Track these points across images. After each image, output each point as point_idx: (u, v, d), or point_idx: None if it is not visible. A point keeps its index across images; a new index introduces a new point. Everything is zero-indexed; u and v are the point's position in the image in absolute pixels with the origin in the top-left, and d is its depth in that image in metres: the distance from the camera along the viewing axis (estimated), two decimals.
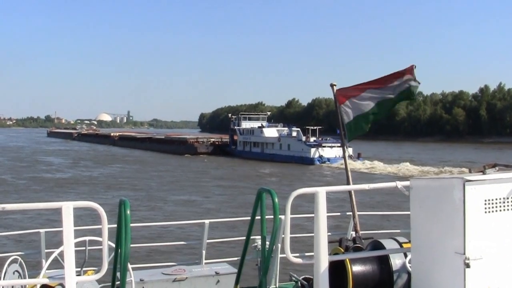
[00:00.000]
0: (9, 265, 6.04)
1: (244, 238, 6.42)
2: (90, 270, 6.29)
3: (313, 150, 69.44)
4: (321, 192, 4.49)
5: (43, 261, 7.13)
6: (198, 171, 57.01)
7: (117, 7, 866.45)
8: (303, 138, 73.07)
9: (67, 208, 3.94)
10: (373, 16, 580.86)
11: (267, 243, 5.51)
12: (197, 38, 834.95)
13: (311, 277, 5.66)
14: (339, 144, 70.20)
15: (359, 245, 5.93)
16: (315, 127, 76.58)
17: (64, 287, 4.97)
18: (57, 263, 5.46)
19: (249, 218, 6.22)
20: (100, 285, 6.27)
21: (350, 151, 67.72)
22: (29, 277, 6.38)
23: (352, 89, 7.13)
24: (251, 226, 5.99)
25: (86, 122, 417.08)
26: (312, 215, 4.59)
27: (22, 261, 6.37)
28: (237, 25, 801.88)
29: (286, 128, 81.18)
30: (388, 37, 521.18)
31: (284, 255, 5.18)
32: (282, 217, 5.55)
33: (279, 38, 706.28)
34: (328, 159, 68.26)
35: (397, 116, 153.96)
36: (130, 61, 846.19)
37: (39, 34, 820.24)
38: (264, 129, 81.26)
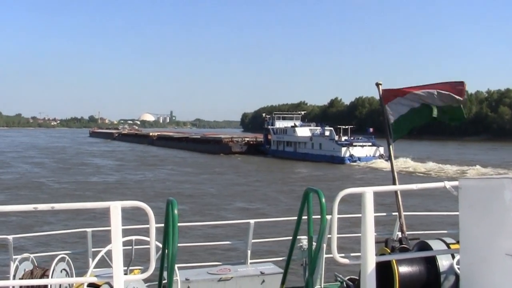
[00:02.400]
0: (57, 263, 6.18)
1: (289, 238, 6.43)
2: (136, 269, 6.49)
3: (343, 149, 69.36)
4: (369, 192, 4.36)
5: (90, 260, 7.30)
6: (233, 169, 57.73)
7: (160, 6, 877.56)
8: (336, 138, 73.16)
9: (115, 207, 3.91)
10: (422, 14, 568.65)
11: (314, 243, 5.46)
12: (241, 38, 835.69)
13: (356, 277, 5.77)
14: (370, 143, 70.25)
15: (406, 246, 5.84)
16: (346, 126, 76.40)
17: (111, 286, 5.10)
18: (103, 262, 5.55)
19: (294, 217, 6.23)
20: (146, 284, 6.24)
21: (381, 150, 67.88)
22: (76, 276, 6.58)
23: (398, 89, 7.06)
24: (297, 226, 5.90)
25: (129, 122, 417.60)
26: (359, 215, 4.52)
27: (69, 259, 6.53)
28: (280, 25, 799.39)
29: (319, 128, 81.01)
30: (435, 34, 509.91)
31: (329, 256, 5.32)
32: (329, 217, 5.30)
33: (322, 37, 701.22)
34: (359, 158, 68.04)
35: None
36: (174, 61, 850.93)
37: (83, 36, 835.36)
38: (297, 129, 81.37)
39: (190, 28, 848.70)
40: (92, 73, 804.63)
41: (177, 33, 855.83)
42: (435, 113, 6.58)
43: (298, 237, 6.32)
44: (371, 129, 73.44)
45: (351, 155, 68.67)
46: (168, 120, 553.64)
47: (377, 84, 7.13)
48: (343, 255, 4.62)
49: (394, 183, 6.79)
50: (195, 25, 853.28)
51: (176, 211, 4.61)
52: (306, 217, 5.56)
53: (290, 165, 65.92)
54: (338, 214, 4.42)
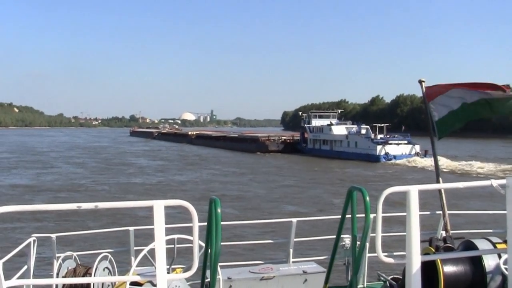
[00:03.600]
0: (99, 261, 6.23)
1: (331, 237, 6.46)
2: (178, 268, 6.45)
3: (379, 147, 68.98)
4: (413, 191, 4.33)
5: (132, 258, 7.34)
6: (274, 169, 57.66)
7: (202, 4, 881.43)
8: (372, 136, 72.84)
9: (159, 206, 3.90)
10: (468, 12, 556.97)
11: (357, 242, 5.40)
12: (281, 36, 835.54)
13: (400, 277, 5.76)
14: (405, 141, 69.61)
15: (450, 245, 5.78)
16: (382, 124, 75.82)
17: (154, 284, 5.20)
18: (144, 260, 5.67)
19: (335, 216, 6.27)
20: (188, 283, 6.24)
21: (417, 148, 67.25)
22: (118, 274, 6.65)
23: (442, 86, 6.91)
24: (341, 225, 5.83)
25: (170, 121, 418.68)
26: (403, 213, 4.52)
27: (112, 258, 6.59)
28: (323, 22, 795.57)
29: (355, 126, 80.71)
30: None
31: (371, 254, 5.57)
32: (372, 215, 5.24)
33: (365, 34, 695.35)
34: (394, 157, 67.61)
35: None
36: (214, 60, 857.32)
37: (125, 36, 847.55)
38: (333, 127, 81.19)
39: (232, 27, 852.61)
40: (134, 73, 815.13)
41: (219, 32, 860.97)
42: (486, 108, 6.35)
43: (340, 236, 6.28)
44: (403, 127, 73.10)
45: (386, 153, 68.35)
46: (208, 119, 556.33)
47: (420, 82, 7.06)
48: (386, 254, 4.57)
49: (438, 181, 6.72)
50: (237, 23, 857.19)
51: (219, 210, 4.60)
52: (349, 215, 5.52)
53: (328, 163, 65.59)
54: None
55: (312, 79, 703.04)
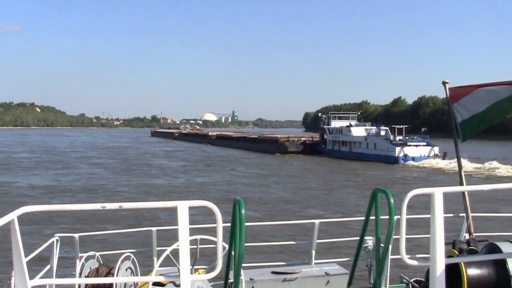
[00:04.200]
0: (122, 262, 6.30)
1: (353, 238, 6.56)
2: (201, 268, 6.54)
3: (397, 149, 68.86)
4: (438, 193, 4.30)
5: (155, 258, 7.38)
6: (295, 170, 57.55)
7: (223, 4, 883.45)
8: (391, 137, 72.67)
9: (183, 207, 3.91)
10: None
11: (381, 244, 5.38)
12: (304, 37, 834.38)
13: (422, 279, 5.85)
14: (424, 143, 69.34)
15: (473, 248, 5.75)
16: (401, 126, 75.41)
17: (176, 285, 5.33)
18: (166, 261, 5.72)
19: (357, 218, 6.50)
20: (211, 284, 6.24)
21: (436, 150, 66.95)
22: (140, 274, 6.73)
23: (466, 87, 6.87)
24: (365, 227, 5.78)
25: (191, 122, 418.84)
26: (427, 216, 4.51)
27: (134, 258, 6.66)
28: (341, 23, 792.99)
29: (374, 127, 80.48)
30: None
31: (393, 257, 5.38)
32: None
33: (386, 36, 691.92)
34: (413, 158, 67.49)
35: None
36: (235, 60, 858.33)
37: (146, 35, 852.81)
38: (352, 128, 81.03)
39: (254, 27, 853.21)
40: (156, 73, 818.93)
41: (240, 32, 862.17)
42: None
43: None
44: (423, 129, 72.94)
45: (405, 155, 68.26)
46: (230, 120, 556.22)
47: (444, 83, 7.02)
48: (410, 256, 4.53)
49: (461, 184, 6.71)
50: (259, 24, 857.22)
51: (243, 211, 4.58)
52: (373, 217, 5.50)
53: (348, 165, 65.63)
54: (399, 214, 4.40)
55: (334, 80, 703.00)
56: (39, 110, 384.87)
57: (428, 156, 68.13)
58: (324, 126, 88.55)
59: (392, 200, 4.74)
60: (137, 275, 6.61)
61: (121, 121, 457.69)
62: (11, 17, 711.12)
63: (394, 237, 4.79)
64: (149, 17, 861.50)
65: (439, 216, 4.31)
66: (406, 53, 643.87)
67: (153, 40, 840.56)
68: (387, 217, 4.83)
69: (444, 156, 66.50)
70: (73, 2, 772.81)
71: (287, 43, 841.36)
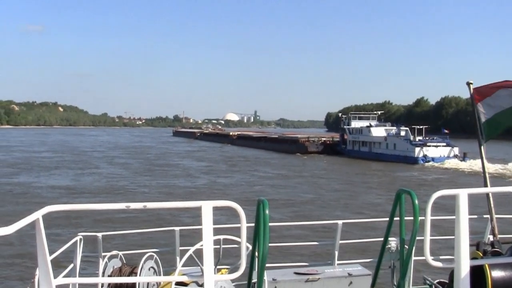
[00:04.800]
0: (145, 261, 6.28)
1: (377, 239, 6.49)
2: (224, 268, 6.45)
3: (417, 149, 68.78)
4: (463, 194, 4.31)
5: (177, 258, 7.33)
6: (318, 171, 57.28)
7: (246, 5, 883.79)
8: (411, 138, 72.37)
9: (207, 207, 3.92)
10: None
11: (405, 246, 5.37)
12: (327, 36, 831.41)
13: (446, 281, 5.81)
14: (444, 144, 68.97)
15: (498, 250, 5.70)
16: (421, 126, 75.17)
17: (199, 285, 5.32)
18: (188, 260, 5.71)
19: (381, 219, 6.38)
20: (233, 284, 6.23)
21: (456, 150, 66.54)
22: (163, 274, 6.69)
23: (490, 86, 6.79)
24: (389, 228, 5.78)
25: (213, 121, 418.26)
26: (451, 217, 4.52)
27: (157, 257, 6.66)
28: (367, 22, 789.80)
29: (394, 127, 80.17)
30: None
31: (416, 258, 5.46)
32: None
33: (408, 36, 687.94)
34: (433, 159, 67.29)
35: None
36: (257, 60, 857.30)
37: (169, 35, 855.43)
38: (372, 128, 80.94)
39: (275, 27, 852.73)
40: (178, 73, 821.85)
41: (262, 32, 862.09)
42: None
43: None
44: (445, 130, 72.68)
45: (424, 155, 68.10)
46: (252, 120, 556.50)
47: (468, 84, 6.95)
48: (434, 258, 4.52)
49: (486, 185, 6.66)
50: (281, 24, 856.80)
51: (267, 211, 4.53)
52: (397, 218, 5.49)
53: (369, 165, 65.50)
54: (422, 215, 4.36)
55: (356, 80, 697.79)
56: (61, 110, 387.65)
57: (448, 157, 67.91)
58: (344, 127, 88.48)
59: (416, 201, 4.71)
60: (160, 274, 6.60)
61: (143, 121, 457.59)
62: (34, 17, 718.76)
63: (418, 238, 4.83)
64: (173, 17, 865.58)
65: (464, 217, 4.30)
66: (429, 52, 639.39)
67: (176, 40, 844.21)
68: (411, 218, 4.79)
69: (464, 156, 66.44)
70: (96, 1, 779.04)
71: (311, 43, 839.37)
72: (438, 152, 68.46)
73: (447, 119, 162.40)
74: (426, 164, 66.17)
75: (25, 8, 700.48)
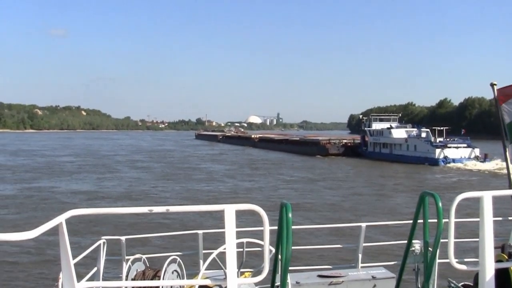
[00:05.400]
0: (168, 264, 6.27)
1: (400, 242, 6.47)
2: (247, 271, 6.42)
3: (438, 150, 68.65)
4: (487, 197, 4.27)
5: (201, 261, 7.36)
6: (342, 174, 57.19)
7: (267, 6, 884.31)
8: (432, 139, 72.04)
9: (230, 210, 3.91)
10: None
11: (429, 248, 5.36)
12: (349, 38, 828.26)
13: (470, 284, 5.81)
14: (465, 145, 68.71)
15: None
16: (441, 128, 74.75)
17: None
18: (212, 264, 5.72)
19: (404, 221, 6.46)
20: (257, 287, 6.20)
21: (476, 151, 66.32)
22: (187, 277, 6.67)
23: None
24: (413, 230, 5.73)
25: (236, 124, 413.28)
26: (476, 219, 4.49)
27: (181, 261, 6.61)
28: (390, 24, 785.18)
29: (415, 129, 79.88)
30: None
31: (440, 260, 5.42)
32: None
33: (432, 36, 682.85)
34: (453, 160, 67.14)
35: None
36: (280, 63, 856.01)
37: (191, 38, 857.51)
38: (392, 130, 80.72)
39: (298, 29, 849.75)
40: (201, 76, 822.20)
41: (285, 34, 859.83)
42: None
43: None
44: (463, 131, 72.45)
45: (445, 157, 67.97)
46: (275, 122, 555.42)
47: (492, 85, 6.93)
48: (458, 260, 4.49)
49: (510, 187, 6.63)
50: (303, 26, 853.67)
51: (290, 214, 4.51)
52: (421, 221, 5.46)
53: (390, 167, 65.33)
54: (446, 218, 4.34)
55: (379, 81, 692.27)
56: (84, 114, 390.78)
57: (469, 158, 67.72)
58: (365, 128, 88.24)
59: (440, 204, 4.69)
60: (183, 278, 6.57)
61: (166, 124, 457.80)
62: (57, 22, 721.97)
63: (442, 240, 4.81)
64: (195, 20, 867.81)
65: (488, 220, 4.26)
66: (453, 53, 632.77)
67: (199, 43, 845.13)
68: (435, 220, 4.76)
69: (485, 158, 66.32)
70: (118, 5, 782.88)
71: (334, 45, 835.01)
72: (459, 153, 68.28)
73: (471, 120, 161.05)
74: (447, 165, 65.97)
75: (47, 12, 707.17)
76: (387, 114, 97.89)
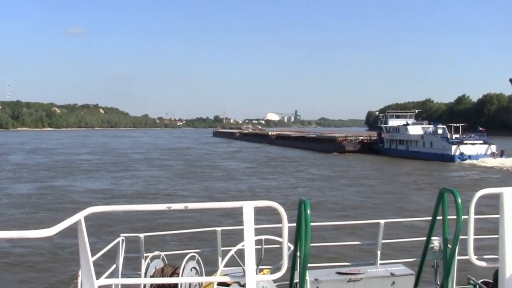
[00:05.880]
0: (187, 261, 6.32)
1: (419, 238, 6.50)
2: (266, 268, 6.47)
3: (454, 147, 68.43)
4: (507, 193, 4.25)
5: (219, 258, 7.39)
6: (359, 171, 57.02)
7: (284, 5, 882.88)
8: (448, 135, 71.73)
9: (248, 207, 3.91)
10: None
11: (448, 245, 5.31)
12: (367, 35, 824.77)
13: (490, 280, 5.76)
14: (481, 141, 68.39)
15: None
16: (458, 124, 74.36)
17: (241, 285, 5.37)
18: (230, 261, 5.72)
19: (423, 218, 6.44)
20: (275, 284, 6.22)
21: (493, 148, 66.06)
22: (205, 274, 6.70)
23: None
24: (432, 227, 5.71)
25: (254, 121, 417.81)
26: (495, 215, 4.47)
27: (199, 258, 6.67)
28: (407, 19, 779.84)
29: (431, 126, 79.50)
30: None
31: (460, 257, 5.43)
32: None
33: (450, 33, 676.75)
34: (469, 157, 66.85)
35: None
36: (298, 60, 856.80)
37: (209, 37, 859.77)
38: (408, 127, 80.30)
39: (317, 26, 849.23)
40: (219, 74, 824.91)
41: (303, 32, 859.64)
42: None
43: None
44: (480, 128, 72.14)
45: (461, 153, 67.76)
46: (292, 119, 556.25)
47: (511, 80, 6.57)
48: (477, 257, 4.46)
49: None
50: (321, 23, 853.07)
51: (308, 211, 4.51)
52: (440, 217, 5.43)
53: (406, 164, 65.08)
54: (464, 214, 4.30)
55: (398, 78, 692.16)
56: (102, 112, 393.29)
57: (485, 154, 67.49)
58: (382, 125, 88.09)
59: (459, 200, 4.66)
60: (202, 275, 6.61)
61: (184, 122, 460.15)
62: (74, 20, 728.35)
63: (461, 237, 4.81)
64: (212, 18, 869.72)
65: (508, 216, 4.25)
66: (472, 49, 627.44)
67: (216, 41, 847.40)
68: (454, 217, 4.74)
69: (501, 154, 66.23)
70: (135, 3, 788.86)
71: (351, 42, 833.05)
72: (475, 150, 68.07)
73: (489, 117, 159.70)
74: (463, 162, 65.67)
75: (65, 10, 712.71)
76: (404, 111, 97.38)
